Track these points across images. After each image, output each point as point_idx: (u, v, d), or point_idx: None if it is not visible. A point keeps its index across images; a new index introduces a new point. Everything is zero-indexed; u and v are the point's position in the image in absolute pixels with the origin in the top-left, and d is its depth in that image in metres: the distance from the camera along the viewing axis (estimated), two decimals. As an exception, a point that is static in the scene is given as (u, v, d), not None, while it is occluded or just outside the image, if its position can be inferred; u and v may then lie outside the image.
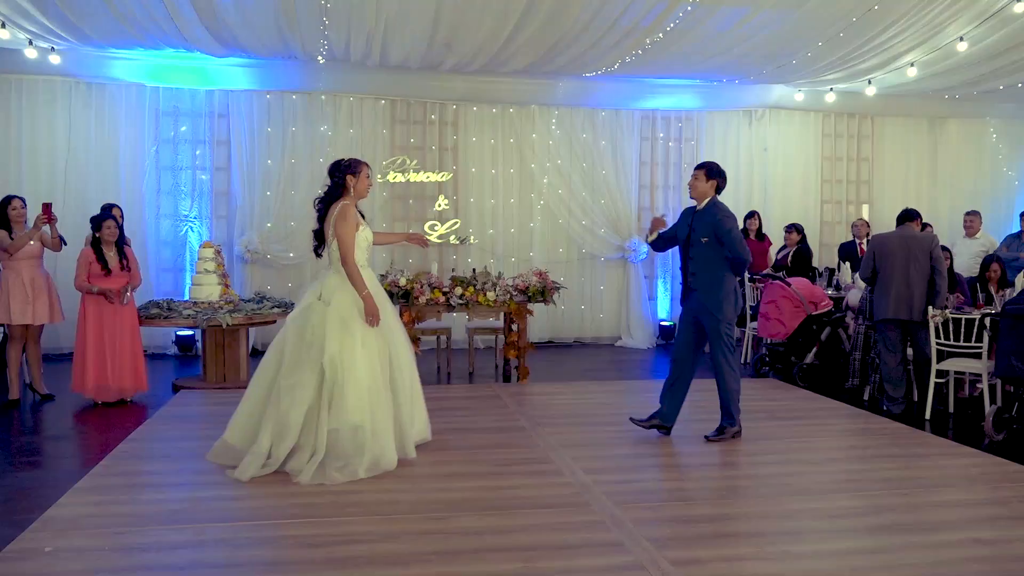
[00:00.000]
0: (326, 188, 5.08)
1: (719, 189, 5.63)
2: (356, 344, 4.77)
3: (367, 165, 5.14)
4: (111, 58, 9.13)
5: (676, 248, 5.87)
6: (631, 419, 5.73)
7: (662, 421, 5.67)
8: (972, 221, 9.39)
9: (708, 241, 5.46)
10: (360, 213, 5.13)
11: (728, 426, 5.61)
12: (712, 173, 5.59)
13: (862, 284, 8.16)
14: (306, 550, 3.61)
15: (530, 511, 4.15)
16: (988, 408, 5.93)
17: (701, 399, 7.07)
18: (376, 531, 3.84)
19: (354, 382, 4.69)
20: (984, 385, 6.27)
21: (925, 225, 7.90)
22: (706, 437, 5.58)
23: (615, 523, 3.98)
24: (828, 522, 4.08)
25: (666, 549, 3.64)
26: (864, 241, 10.09)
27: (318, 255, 5.13)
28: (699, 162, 5.84)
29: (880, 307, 6.75)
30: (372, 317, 4.81)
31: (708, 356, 5.69)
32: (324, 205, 5.05)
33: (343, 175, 5.01)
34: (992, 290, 7.57)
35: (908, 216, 6.93)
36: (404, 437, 4.93)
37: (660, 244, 5.96)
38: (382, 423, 4.76)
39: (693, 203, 5.68)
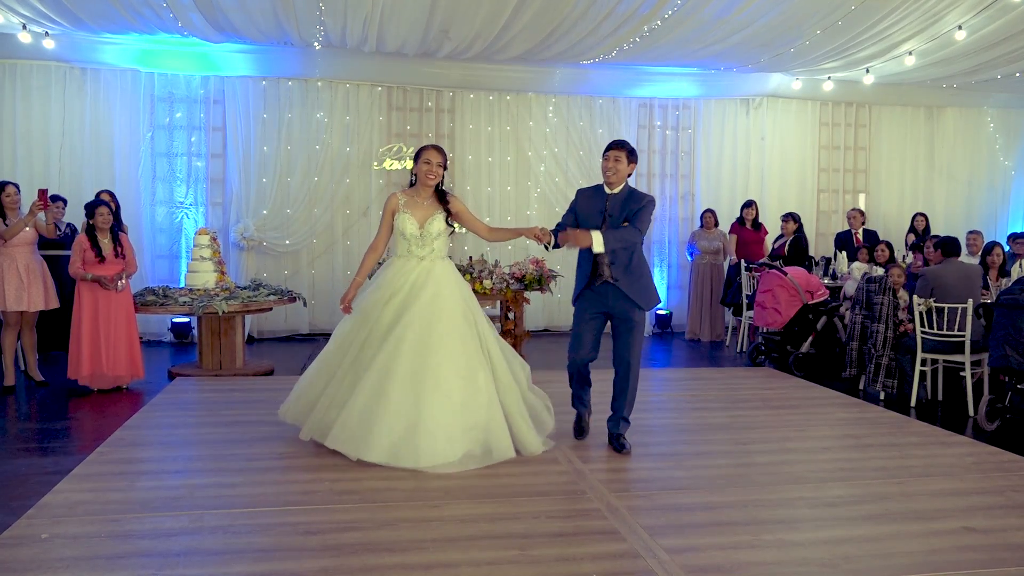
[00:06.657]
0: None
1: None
2: (344, 327, 4.98)
3: (427, 148, 4.96)
4: (105, 43, 9.06)
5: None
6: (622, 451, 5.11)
7: (612, 428, 5.21)
8: (975, 239, 8.67)
9: (628, 227, 4.91)
10: (441, 195, 4.98)
11: (626, 434, 5.14)
12: (633, 155, 5.00)
13: (858, 275, 8.18)
14: (302, 537, 3.61)
15: (526, 499, 4.16)
16: (981, 397, 5.95)
17: (695, 387, 7.10)
18: (372, 518, 3.85)
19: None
20: (975, 373, 6.29)
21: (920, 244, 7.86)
22: (622, 448, 5.05)
23: (611, 511, 3.99)
24: (823, 510, 4.10)
25: (661, 537, 3.65)
26: (859, 231, 10.11)
27: None
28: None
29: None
30: (343, 304, 4.94)
31: (619, 354, 5.03)
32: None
33: (415, 165, 5.01)
34: (991, 278, 7.57)
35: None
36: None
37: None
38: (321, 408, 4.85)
39: (583, 184, 4.95)
